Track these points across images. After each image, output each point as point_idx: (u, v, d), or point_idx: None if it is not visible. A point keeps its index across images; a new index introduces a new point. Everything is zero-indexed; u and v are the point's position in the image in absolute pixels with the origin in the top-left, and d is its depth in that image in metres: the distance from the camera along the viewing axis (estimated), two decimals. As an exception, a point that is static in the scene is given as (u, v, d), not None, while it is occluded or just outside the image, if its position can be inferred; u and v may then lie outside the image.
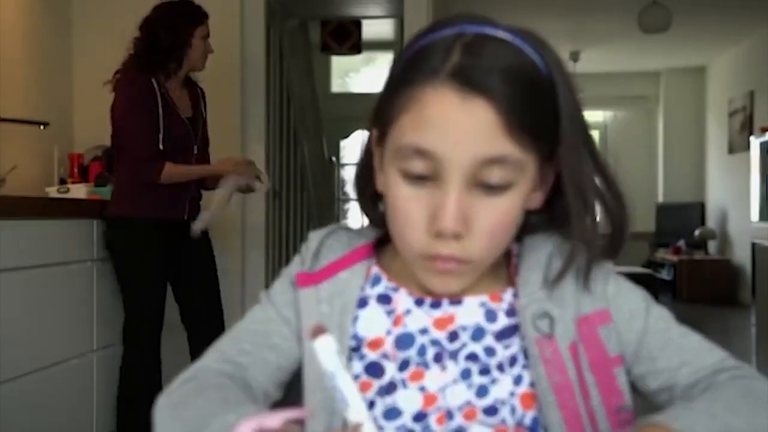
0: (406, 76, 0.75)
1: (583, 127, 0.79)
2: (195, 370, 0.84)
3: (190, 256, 2.91)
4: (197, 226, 2.86)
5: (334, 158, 6.76)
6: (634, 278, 0.86)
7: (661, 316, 0.83)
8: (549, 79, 0.76)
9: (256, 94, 3.87)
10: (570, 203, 0.78)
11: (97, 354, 2.84)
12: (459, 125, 0.72)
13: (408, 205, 0.75)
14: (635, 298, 0.83)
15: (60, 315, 2.64)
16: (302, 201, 5.41)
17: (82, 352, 2.75)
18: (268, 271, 4.00)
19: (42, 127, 3.35)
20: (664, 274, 7.91)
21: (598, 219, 0.80)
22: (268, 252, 4.05)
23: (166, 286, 2.87)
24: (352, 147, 7.99)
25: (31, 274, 2.47)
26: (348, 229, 0.89)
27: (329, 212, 5.99)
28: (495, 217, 0.75)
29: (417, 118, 0.73)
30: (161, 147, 2.75)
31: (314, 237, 0.88)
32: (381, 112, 0.79)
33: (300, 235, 5.14)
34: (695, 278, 7.63)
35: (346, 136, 7.88)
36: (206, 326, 2.91)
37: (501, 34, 0.75)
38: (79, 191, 3.24)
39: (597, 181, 0.79)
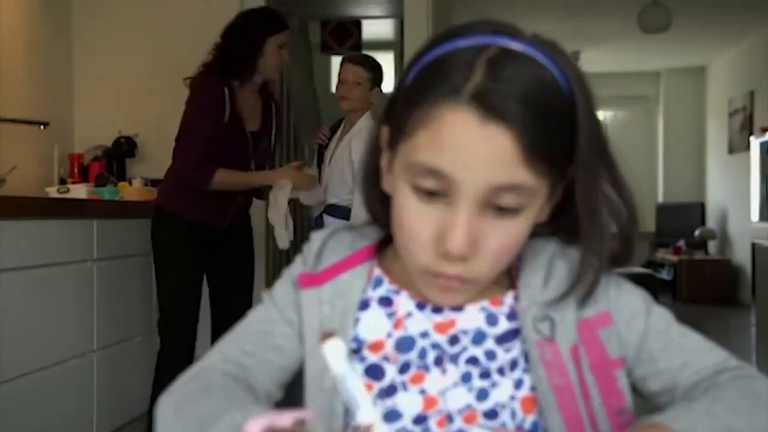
0: (425, 90, 0.73)
1: (601, 140, 0.78)
2: (198, 370, 0.84)
3: (228, 258, 2.91)
4: (283, 244, 2.95)
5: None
6: (634, 278, 0.85)
7: (661, 317, 0.83)
8: (570, 97, 0.75)
9: (256, 94, 3.86)
10: (581, 221, 0.77)
11: (97, 354, 2.84)
12: (476, 150, 0.70)
13: (416, 220, 0.74)
14: (635, 299, 0.83)
15: (60, 315, 2.64)
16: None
17: (82, 352, 2.75)
18: (269, 271, 4.00)
19: (42, 127, 3.36)
20: (664, 274, 7.91)
21: (606, 233, 0.79)
22: (269, 252, 4.04)
23: (200, 286, 2.86)
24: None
25: (31, 274, 2.47)
26: (350, 230, 0.88)
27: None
28: (503, 240, 0.74)
29: (433, 138, 0.71)
30: (215, 154, 2.74)
31: (316, 237, 0.87)
32: (394, 118, 0.78)
33: (300, 235, 5.13)
34: (695, 278, 7.62)
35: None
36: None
37: (523, 48, 0.73)
38: (79, 191, 3.24)
39: (610, 193, 0.79)
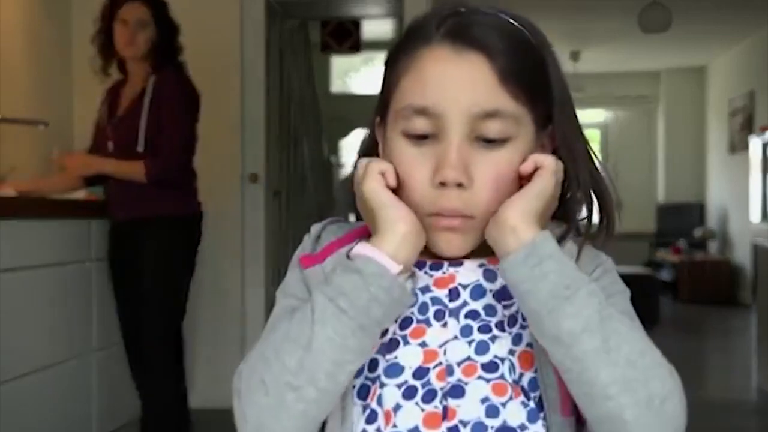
0: (403, 49, 0.81)
1: (572, 105, 0.83)
2: (245, 365, 0.79)
3: (134, 254, 2.76)
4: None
5: (333, 158, 6.76)
6: (634, 278, 0.87)
7: (623, 305, 0.82)
8: (538, 48, 0.80)
9: (256, 94, 3.87)
10: (565, 164, 0.81)
11: (97, 354, 2.84)
12: (455, 79, 0.77)
13: (412, 164, 0.79)
14: (617, 284, 0.85)
15: (60, 315, 2.64)
16: (302, 201, 5.41)
17: (82, 352, 2.75)
18: (268, 271, 4.00)
19: (42, 127, 3.35)
20: (665, 275, 7.90)
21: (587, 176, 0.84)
22: (268, 252, 4.04)
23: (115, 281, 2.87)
24: (352, 146, 7.98)
25: (30, 274, 2.47)
26: (348, 220, 0.92)
27: (329, 212, 5.99)
28: (495, 169, 0.78)
29: (415, 79, 0.78)
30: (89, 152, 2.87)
31: (314, 227, 0.91)
32: (382, 97, 0.84)
33: (300, 235, 5.13)
34: (696, 278, 7.61)
35: (346, 136, 7.88)
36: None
37: (488, 10, 0.81)
38: (78, 192, 3.23)
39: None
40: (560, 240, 0.80)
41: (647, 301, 5.52)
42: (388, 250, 0.75)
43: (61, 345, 2.64)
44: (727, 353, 5.40)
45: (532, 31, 0.81)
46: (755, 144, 5.32)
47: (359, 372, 0.79)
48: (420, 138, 0.78)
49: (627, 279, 0.86)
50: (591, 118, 8.79)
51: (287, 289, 0.87)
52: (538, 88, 0.79)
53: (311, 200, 5.57)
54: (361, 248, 0.76)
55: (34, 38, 3.59)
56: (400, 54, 0.81)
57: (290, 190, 5.12)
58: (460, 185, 0.77)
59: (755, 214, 5.24)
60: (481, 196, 0.78)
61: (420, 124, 0.78)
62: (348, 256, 0.77)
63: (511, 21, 0.80)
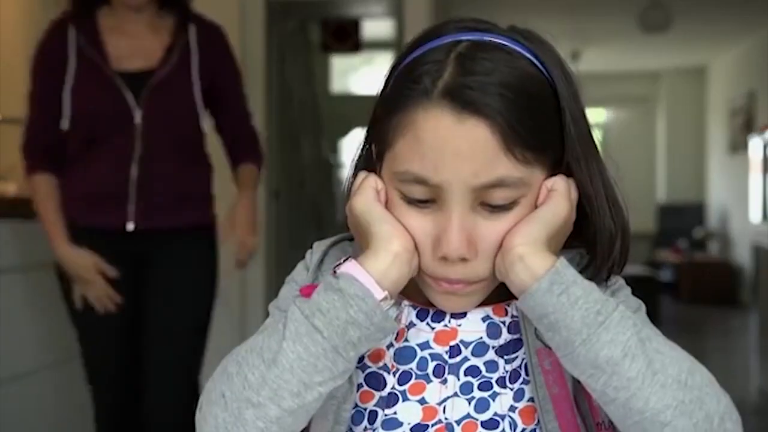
0: (399, 97, 0.74)
1: (588, 129, 0.78)
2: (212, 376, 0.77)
3: (155, 279, 2.09)
4: None
5: (333, 158, 6.76)
6: (634, 279, 0.85)
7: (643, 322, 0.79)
8: (550, 84, 0.74)
9: (256, 94, 3.87)
10: (583, 210, 0.77)
11: (96, 354, 2.84)
12: (455, 149, 0.70)
13: (412, 226, 0.74)
14: (631, 301, 0.82)
15: (60, 316, 2.63)
16: (302, 201, 5.41)
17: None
18: (268, 271, 4.00)
19: (42, 127, 3.35)
20: (665, 275, 7.90)
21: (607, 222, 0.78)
22: (268, 252, 4.04)
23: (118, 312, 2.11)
24: (352, 146, 7.98)
25: (30, 274, 2.47)
26: (352, 240, 0.85)
27: (329, 213, 6.00)
28: (502, 236, 0.73)
29: (412, 144, 0.72)
30: (63, 127, 2.01)
31: (318, 248, 0.86)
32: (375, 132, 0.79)
33: (300, 235, 5.13)
34: (696, 279, 7.62)
35: (346, 136, 7.89)
36: (162, 374, 2.09)
37: (496, 39, 0.74)
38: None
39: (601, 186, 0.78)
40: (582, 271, 0.75)
41: (647, 301, 5.53)
42: (377, 270, 0.72)
43: (61, 346, 2.64)
44: (727, 353, 5.40)
45: (542, 54, 0.75)
46: (755, 144, 5.33)
47: (358, 421, 0.78)
48: (420, 201, 0.73)
49: (627, 279, 0.85)
50: (591, 118, 8.79)
51: (280, 304, 0.84)
52: (548, 140, 0.74)
53: (311, 200, 5.57)
54: (347, 267, 0.72)
55: (34, 38, 3.59)
56: (395, 100, 0.74)
57: (290, 190, 5.13)
58: (463, 259, 0.73)
59: (755, 215, 5.25)
60: (486, 264, 0.74)
61: (418, 192, 0.73)
62: (335, 272, 0.74)
63: (520, 54, 0.73)
